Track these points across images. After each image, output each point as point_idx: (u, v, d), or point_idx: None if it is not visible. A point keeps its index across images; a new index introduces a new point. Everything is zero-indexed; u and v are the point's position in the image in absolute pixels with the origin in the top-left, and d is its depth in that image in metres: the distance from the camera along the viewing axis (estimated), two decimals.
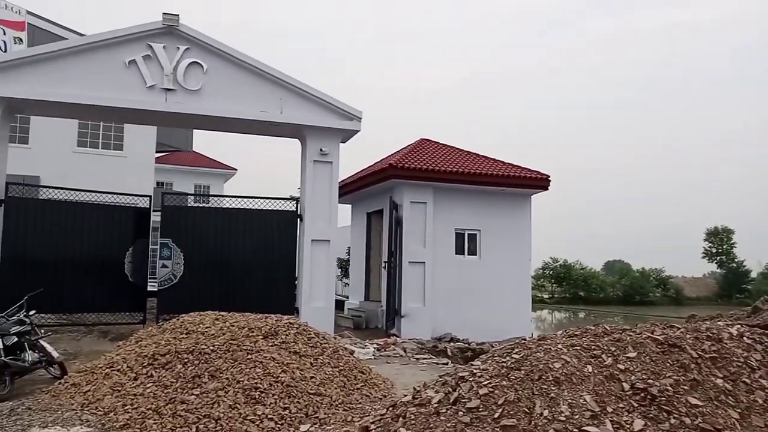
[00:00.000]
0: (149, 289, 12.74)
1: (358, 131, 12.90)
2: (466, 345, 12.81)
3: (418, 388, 4.13)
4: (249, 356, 6.69)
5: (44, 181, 18.57)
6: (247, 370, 6.46)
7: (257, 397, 6.13)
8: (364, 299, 17.50)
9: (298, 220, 12.84)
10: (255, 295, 12.30)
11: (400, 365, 9.81)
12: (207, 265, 12.28)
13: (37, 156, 21.35)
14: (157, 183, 26.72)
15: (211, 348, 6.67)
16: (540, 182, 16.09)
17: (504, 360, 4.20)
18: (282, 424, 5.92)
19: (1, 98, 10.82)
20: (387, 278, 14.84)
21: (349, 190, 16.89)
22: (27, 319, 7.88)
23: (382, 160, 17.04)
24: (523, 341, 4.68)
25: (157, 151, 27.54)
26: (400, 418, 3.58)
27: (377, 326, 15.61)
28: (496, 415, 3.60)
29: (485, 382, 3.93)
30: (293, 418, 6.06)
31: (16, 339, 7.40)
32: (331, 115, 12.64)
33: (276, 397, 6.22)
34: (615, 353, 4.19)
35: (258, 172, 76.98)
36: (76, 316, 11.77)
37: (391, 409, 3.93)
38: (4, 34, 26.17)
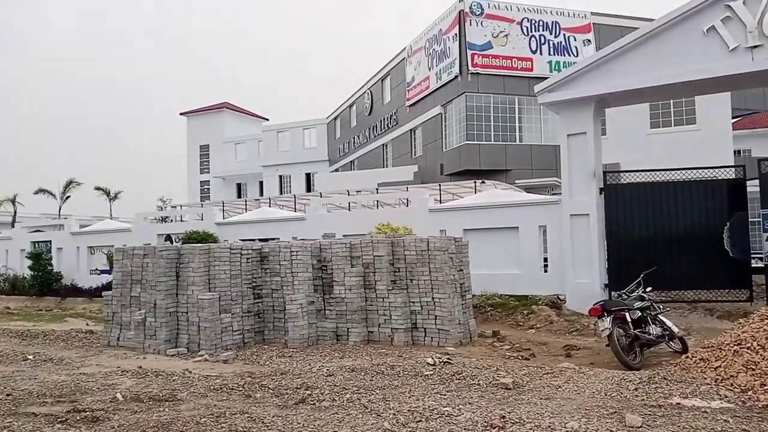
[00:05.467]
0: (753, 265, 11.87)
1: None
2: None
3: None
4: None
5: (623, 166, 19.78)
6: None
7: None
8: None
9: None
10: None
11: None
12: None
13: (614, 144, 23.02)
14: (734, 152, 24.74)
15: None
16: None
17: None
18: None
19: (592, 97, 12.09)
20: None
21: None
22: (645, 296, 8.48)
23: None
24: None
25: (732, 117, 25.60)
26: None
27: None
28: None
29: None
30: None
31: (639, 314, 8.06)
32: None
33: None
34: None
35: None
36: (674, 292, 11.94)
37: None
38: (575, 40, 29.33)
